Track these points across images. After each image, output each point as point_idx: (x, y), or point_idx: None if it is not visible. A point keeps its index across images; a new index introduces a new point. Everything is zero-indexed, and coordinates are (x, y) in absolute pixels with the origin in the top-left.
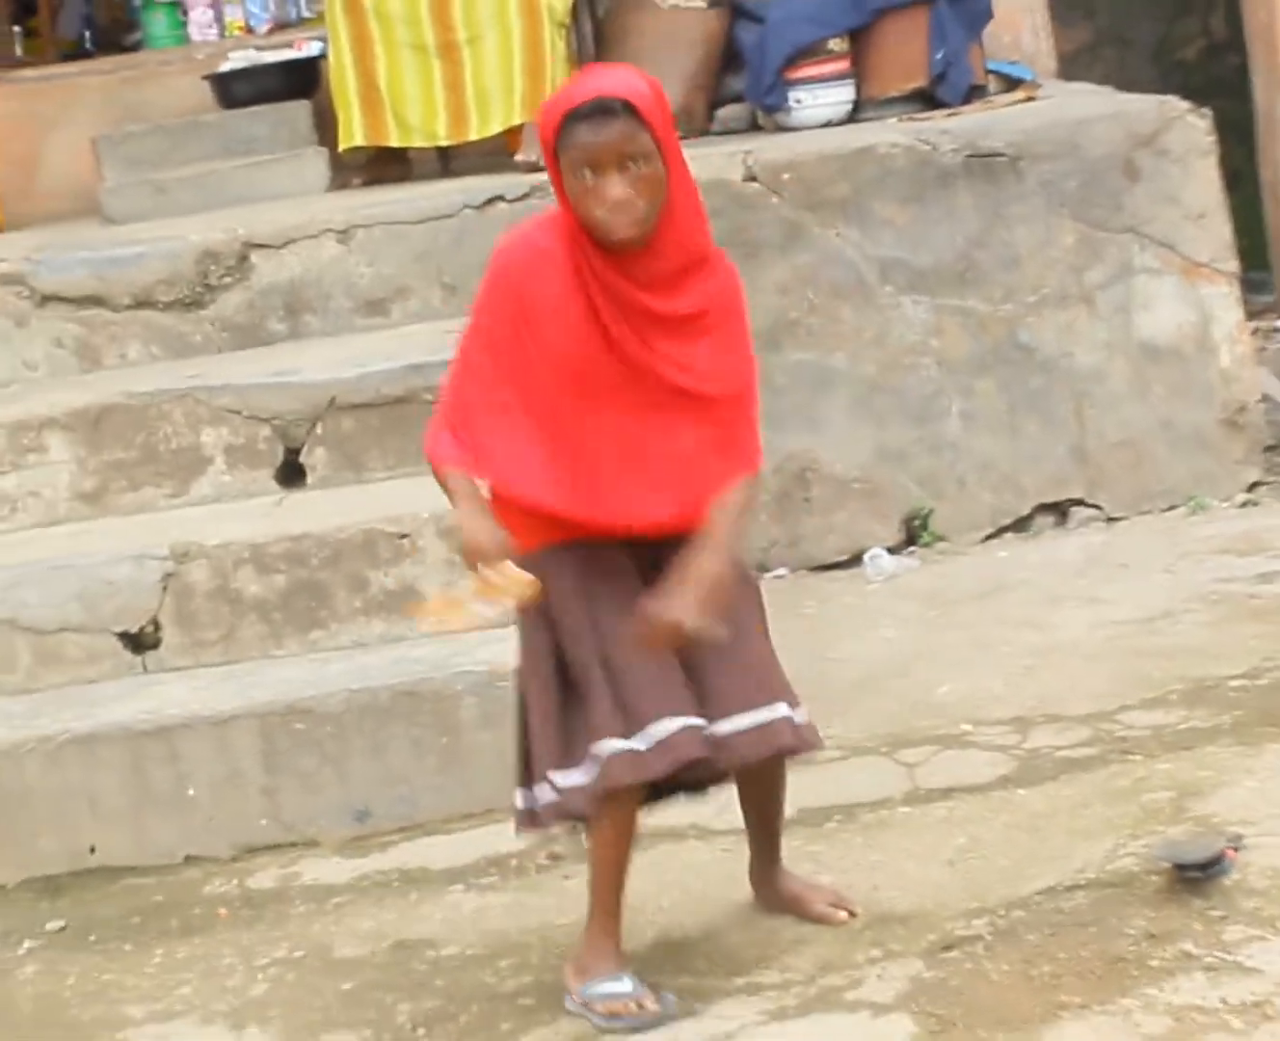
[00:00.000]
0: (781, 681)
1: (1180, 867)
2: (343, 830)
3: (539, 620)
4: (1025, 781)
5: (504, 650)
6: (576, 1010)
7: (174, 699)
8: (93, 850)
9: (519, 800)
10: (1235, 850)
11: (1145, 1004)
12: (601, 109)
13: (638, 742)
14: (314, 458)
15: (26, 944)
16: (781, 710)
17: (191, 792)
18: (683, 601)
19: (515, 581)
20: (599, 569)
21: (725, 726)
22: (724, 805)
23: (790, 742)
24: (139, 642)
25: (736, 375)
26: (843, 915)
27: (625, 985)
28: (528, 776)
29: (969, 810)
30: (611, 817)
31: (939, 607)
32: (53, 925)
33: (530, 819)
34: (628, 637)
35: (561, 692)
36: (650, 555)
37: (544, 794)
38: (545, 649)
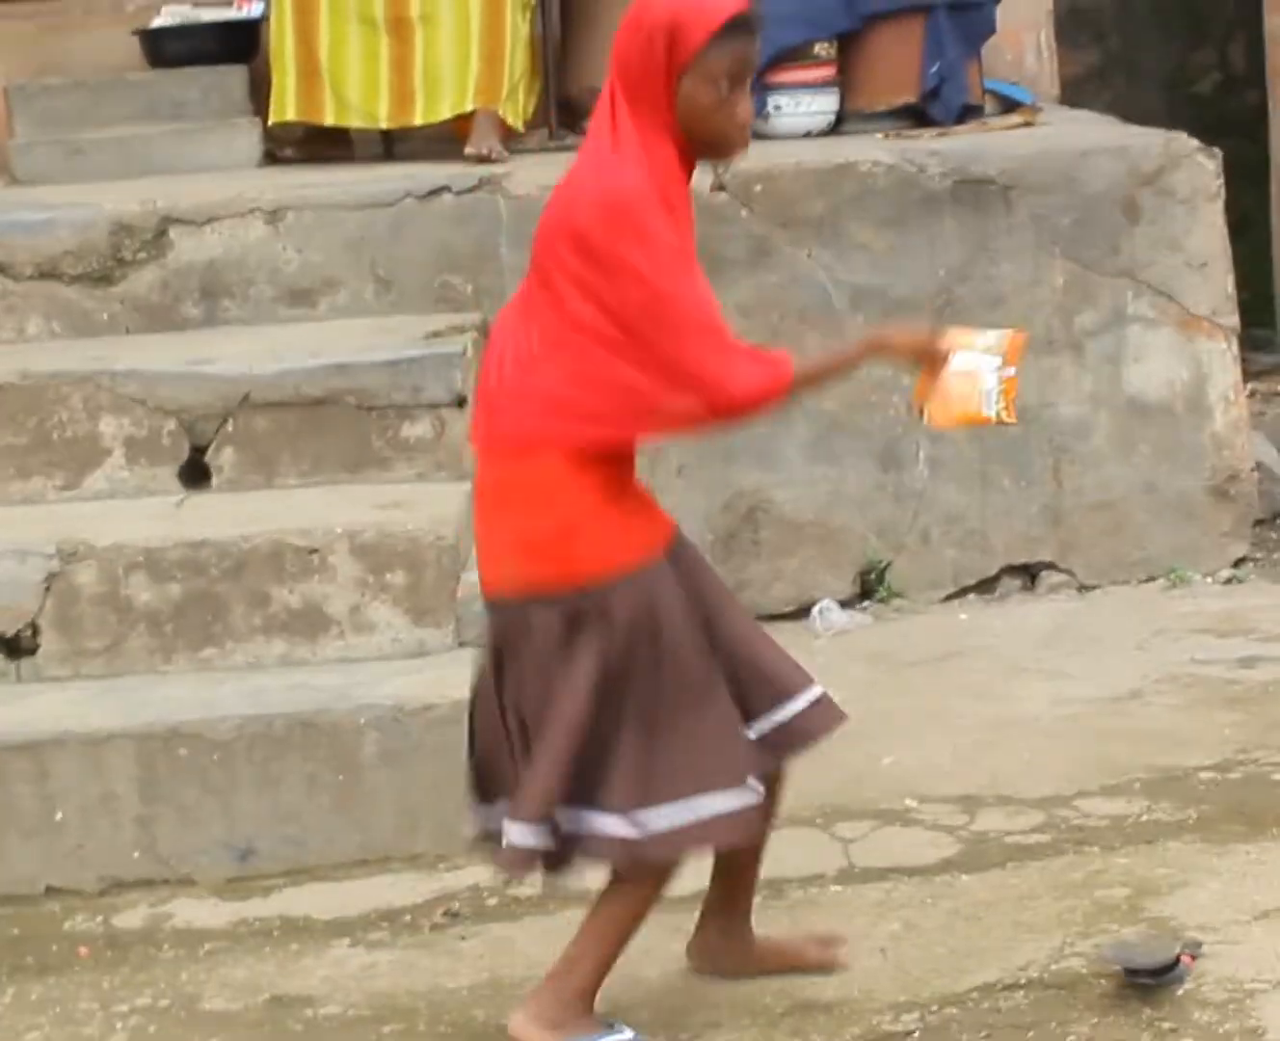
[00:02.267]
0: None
1: (1131, 972)
2: (222, 869)
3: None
4: (970, 866)
5: (411, 683)
6: None
7: (47, 711)
8: None
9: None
10: (1192, 957)
11: None
12: (757, 21)
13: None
14: (221, 457)
15: None
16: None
17: (59, 816)
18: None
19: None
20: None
21: (791, 709)
22: None
23: (843, 716)
24: (14, 647)
25: None
26: (843, 953)
27: (627, 1034)
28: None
29: (907, 894)
30: (664, 876)
31: (890, 670)
32: None
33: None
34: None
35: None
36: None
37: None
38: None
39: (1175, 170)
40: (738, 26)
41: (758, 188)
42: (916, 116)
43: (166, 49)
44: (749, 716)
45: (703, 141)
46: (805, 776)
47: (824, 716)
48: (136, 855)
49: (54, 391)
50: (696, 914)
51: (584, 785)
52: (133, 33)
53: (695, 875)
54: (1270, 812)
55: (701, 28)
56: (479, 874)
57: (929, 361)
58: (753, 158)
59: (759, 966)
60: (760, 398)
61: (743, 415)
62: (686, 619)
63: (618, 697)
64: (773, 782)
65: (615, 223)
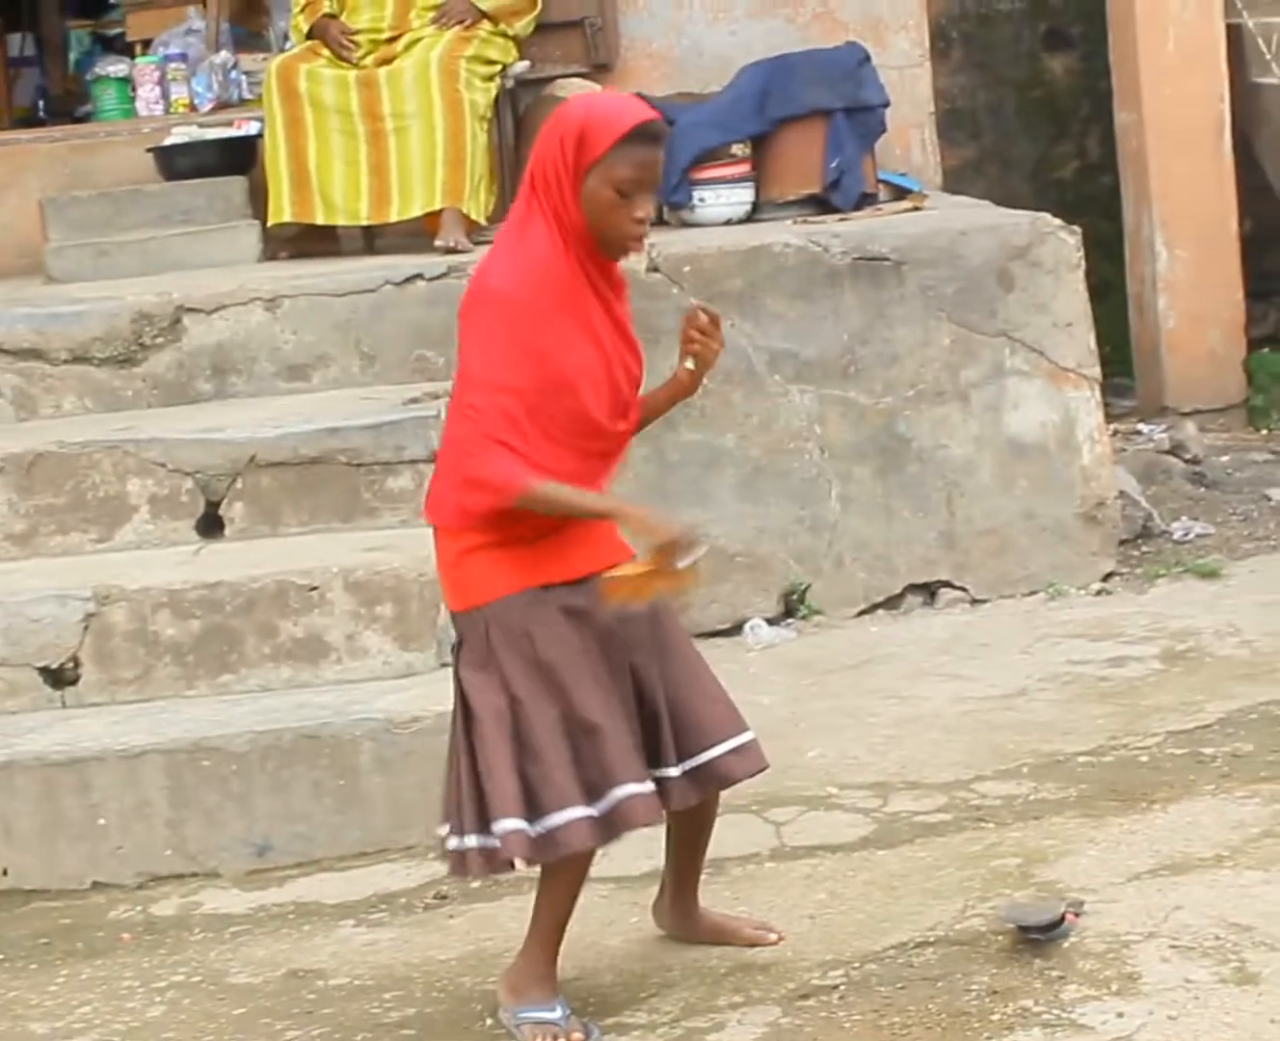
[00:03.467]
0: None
1: (1024, 929)
2: (243, 863)
3: (512, 667)
4: (884, 843)
5: (400, 700)
6: (509, 1025)
7: (89, 733)
8: (4, 872)
9: (454, 843)
10: (1076, 915)
11: None
12: (662, 133)
13: (596, 809)
14: (233, 511)
15: None
16: (751, 733)
17: (101, 822)
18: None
19: (692, 574)
20: (577, 626)
21: (711, 753)
22: (602, 853)
23: (762, 763)
24: (59, 678)
25: None
26: (774, 936)
27: (555, 1013)
28: (471, 820)
29: (831, 868)
30: (571, 867)
31: (812, 677)
32: None
33: (463, 861)
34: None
35: (521, 741)
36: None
37: (492, 837)
38: (515, 694)
39: (1042, 245)
40: (641, 136)
41: (686, 268)
42: (820, 204)
43: (177, 163)
44: (680, 755)
45: (601, 237)
46: None
47: (744, 761)
48: (169, 853)
49: (87, 458)
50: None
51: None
52: (148, 150)
53: (649, 857)
54: (1139, 790)
55: (607, 135)
56: None
57: (655, 548)
58: (681, 242)
59: (703, 937)
60: (487, 494)
61: (479, 498)
62: (568, 649)
63: (492, 714)
64: (706, 806)
65: (471, 308)
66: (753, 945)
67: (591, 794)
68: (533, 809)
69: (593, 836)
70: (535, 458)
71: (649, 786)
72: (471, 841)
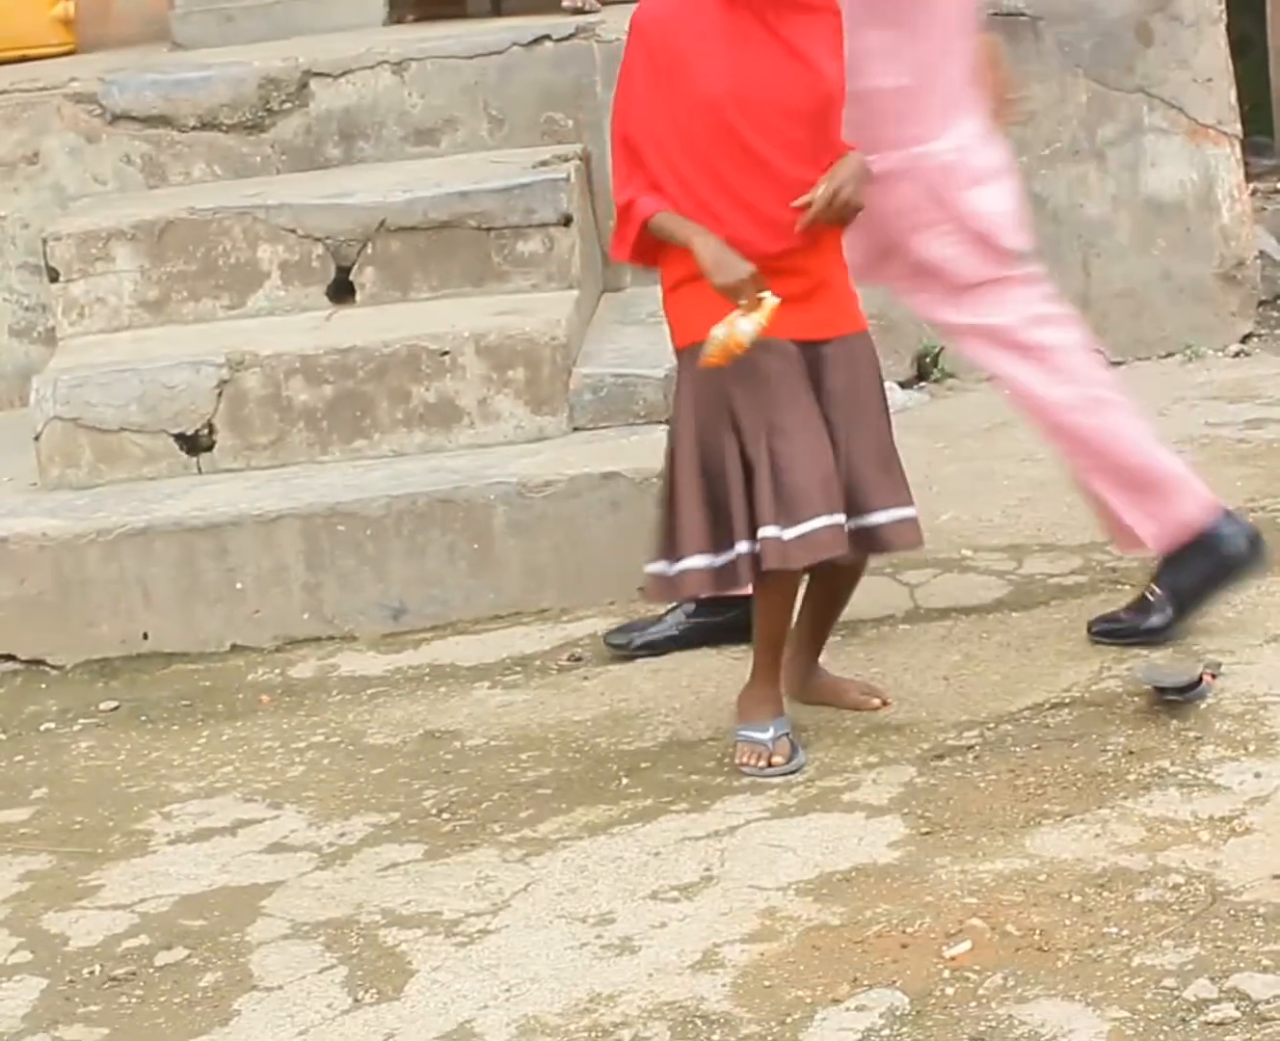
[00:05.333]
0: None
1: (1160, 690)
2: (379, 626)
3: (715, 402)
4: (1019, 605)
5: (533, 464)
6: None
7: (224, 497)
8: (145, 636)
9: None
10: (1213, 676)
11: (1121, 815)
12: None
13: (790, 532)
14: (363, 276)
15: (81, 722)
16: (912, 510)
17: (238, 586)
18: (845, 173)
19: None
20: (771, 365)
21: (875, 518)
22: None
23: (918, 539)
24: (194, 444)
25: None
26: (875, 702)
27: (766, 733)
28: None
29: (965, 630)
30: (775, 588)
31: (945, 440)
32: (106, 705)
33: (668, 585)
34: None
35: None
36: (812, 357)
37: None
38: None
39: None
40: None
41: None
42: None
43: None
44: (849, 512)
45: None
46: None
47: (902, 533)
48: (305, 616)
49: (218, 225)
50: None
51: None
52: None
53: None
54: (1277, 551)
55: None
56: (598, 623)
57: (720, 289)
58: None
59: (813, 698)
60: (622, 223)
61: (621, 227)
62: (760, 389)
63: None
64: (854, 571)
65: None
66: (857, 709)
67: (785, 519)
68: (718, 539)
69: (783, 558)
70: (673, 187)
71: (840, 519)
72: (666, 568)
